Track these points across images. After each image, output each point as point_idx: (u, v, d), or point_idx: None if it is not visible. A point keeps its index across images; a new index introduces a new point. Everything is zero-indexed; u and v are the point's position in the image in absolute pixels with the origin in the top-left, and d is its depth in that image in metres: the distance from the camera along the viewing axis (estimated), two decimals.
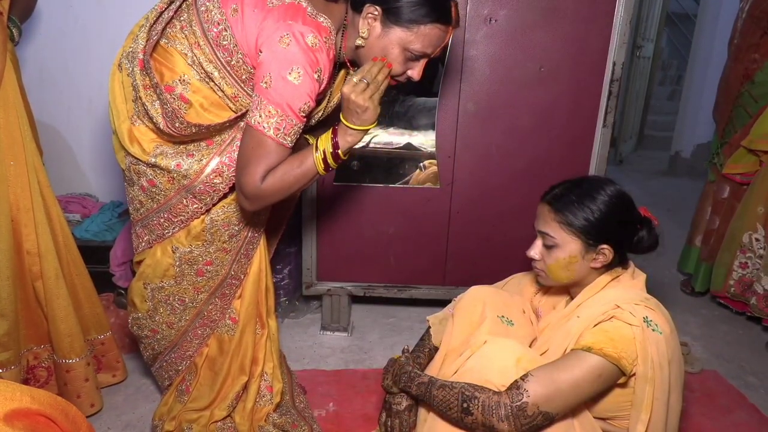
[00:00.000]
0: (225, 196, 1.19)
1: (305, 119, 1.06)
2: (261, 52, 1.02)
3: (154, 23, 1.10)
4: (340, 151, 1.06)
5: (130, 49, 1.11)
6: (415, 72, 1.11)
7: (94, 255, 1.90)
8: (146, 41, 1.07)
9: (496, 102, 1.77)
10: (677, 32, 6.30)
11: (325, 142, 1.07)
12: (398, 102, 2.03)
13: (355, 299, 2.11)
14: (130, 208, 1.27)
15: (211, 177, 1.15)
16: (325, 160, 1.07)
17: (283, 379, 1.43)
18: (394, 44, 1.05)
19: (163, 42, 1.11)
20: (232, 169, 1.15)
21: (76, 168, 2.23)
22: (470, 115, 1.79)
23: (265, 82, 1.01)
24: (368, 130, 1.06)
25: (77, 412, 0.65)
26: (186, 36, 1.09)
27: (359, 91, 1.01)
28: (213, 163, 1.14)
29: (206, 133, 1.14)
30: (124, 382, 1.66)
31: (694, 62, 4.28)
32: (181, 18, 1.11)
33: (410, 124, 2.00)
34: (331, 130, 1.08)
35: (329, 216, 1.90)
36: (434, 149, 1.84)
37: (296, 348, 1.91)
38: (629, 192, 1.14)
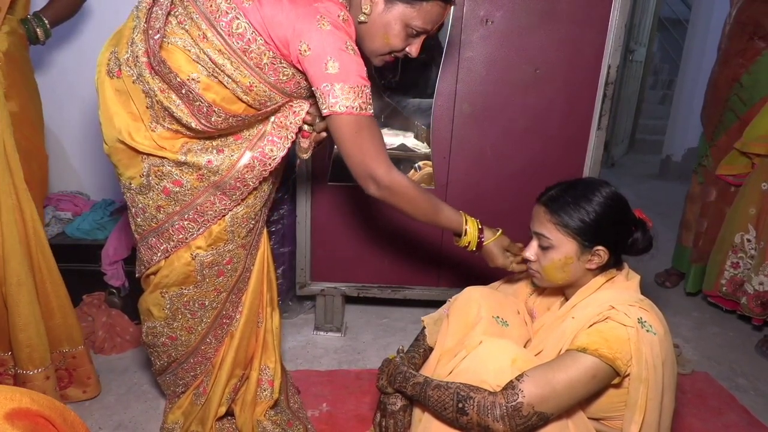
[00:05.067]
0: (252, 191, 1.18)
1: None
2: (302, 42, 1.01)
3: (147, 21, 1.04)
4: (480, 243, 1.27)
5: (128, 55, 1.07)
6: (414, 48, 1.13)
7: (85, 253, 1.89)
8: (146, 43, 1.03)
9: (491, 103, 1.78)
10: (669, 37, 6.35)
11: (474, 231, 1.26)
12: (393, 103, 2.03)
13: (349, 300, 2.10)
14: (138, 220, 1.20)
15: (243, 172, 1.13)
16: (467, 232, 1.26)
17: (282, 377, 1.42)
18: (396, 20, 1.07)
19: (162, 41, 1.06)
20: (264, 164, 1.15)
21: (68, 166, 2.20)
22: (466, 116, 1.79)
23: (331, 68, 1.00)
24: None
25: (75, 416, 0.65)
26: (187, 30, 1.05)
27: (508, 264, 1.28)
28: (245, 158, 1.13)
29: (241, 126, 1.13)
30: (116, 382, 1.65)
31: (686, 67, 4.33)
32: (177, 13, 1.06)
33: (405, 125, 2.01)
34: (478, 228, 1.27)
35: (323, 216, 1.89)
36: (429, 150, 1.85)
37: (289, 348, 1.90)
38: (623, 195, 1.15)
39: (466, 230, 1.25)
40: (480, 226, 1.27)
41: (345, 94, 1.02)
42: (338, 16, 1.03)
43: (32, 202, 1.38)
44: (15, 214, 1.33)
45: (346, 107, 1.02)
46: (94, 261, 1.88)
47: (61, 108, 2.10)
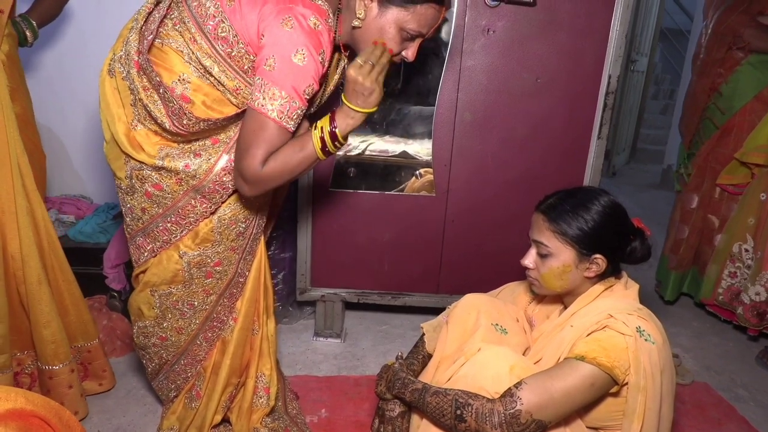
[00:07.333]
0: (232, 193, 1.19)
1: (309, 102, 1.06)
2: (263, 36, 1.02)
3: (144, 23, 1.08)
4: (338, 131, 1.06)
5: (122, 53, 1.10)
6: (410, 52, 1.13)
7: (88, 257, 1.90)
8: (139, 42, 1.06)
9: (492, 112, 1.79)
10: (671, 47, 6.38)
11: (324, 122, 1.07)
12: (394, 110, 2.04)
13: (349, 306, 2.11)
14: (128, 219, 1.23)
15: (221, 175, 1.15)
16: (323, 139, 1.06)
17: (278, 383, 1.42)
18: (390, 24, 1.07)
19: (156, 42, 1.10)
20: None
21: (71, 169, 2.22)
22: (467, 125, 1.80)
23: (269, 65, 1.01)
24: (371, 113, 1.07)
25: (71, 416, 0.65)
26: (180, 32, 1.08)
27: (365, 73, 1.02)
28: (222, 161, 1.14)
29: (214, 130, 1.14)
30: (115, 386, 1.65)
31: (687, 77, 4.32)
32: (172, 16, 1.10)
33: (407, 133, 2.01)
34: (330, 113, 1.08)
35: (324, 222, 1.90)
36: (430, 158, 1.86)
37: (289, 354, 1.90)
38: (621, 204, 1.15)
39: (316, 125, 1.07)
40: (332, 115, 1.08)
41: (269, 95, 1.01)
42: (309, 21, 1.01)
43: (42, 204, 1.41)
44: (28, 215, 1.35)
45: (261, 105, 1.01)
46: (97, 264, 1.90)
47: (64, 112, 2.12)
